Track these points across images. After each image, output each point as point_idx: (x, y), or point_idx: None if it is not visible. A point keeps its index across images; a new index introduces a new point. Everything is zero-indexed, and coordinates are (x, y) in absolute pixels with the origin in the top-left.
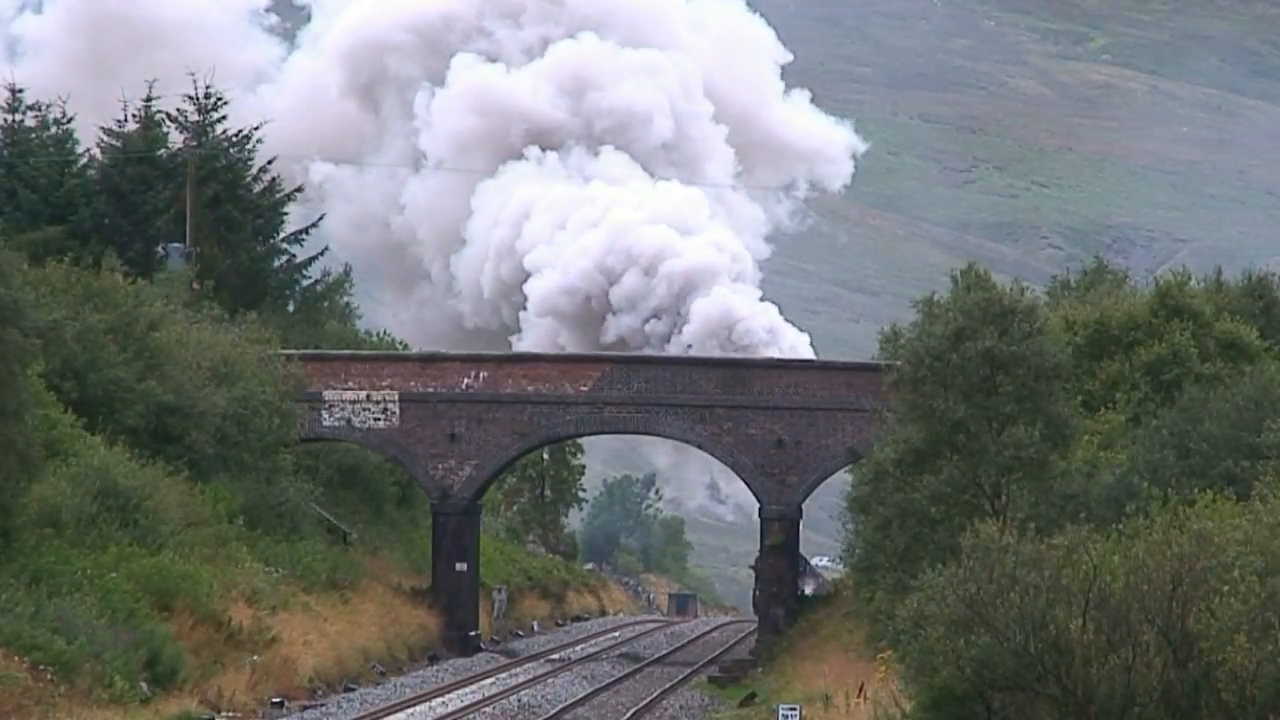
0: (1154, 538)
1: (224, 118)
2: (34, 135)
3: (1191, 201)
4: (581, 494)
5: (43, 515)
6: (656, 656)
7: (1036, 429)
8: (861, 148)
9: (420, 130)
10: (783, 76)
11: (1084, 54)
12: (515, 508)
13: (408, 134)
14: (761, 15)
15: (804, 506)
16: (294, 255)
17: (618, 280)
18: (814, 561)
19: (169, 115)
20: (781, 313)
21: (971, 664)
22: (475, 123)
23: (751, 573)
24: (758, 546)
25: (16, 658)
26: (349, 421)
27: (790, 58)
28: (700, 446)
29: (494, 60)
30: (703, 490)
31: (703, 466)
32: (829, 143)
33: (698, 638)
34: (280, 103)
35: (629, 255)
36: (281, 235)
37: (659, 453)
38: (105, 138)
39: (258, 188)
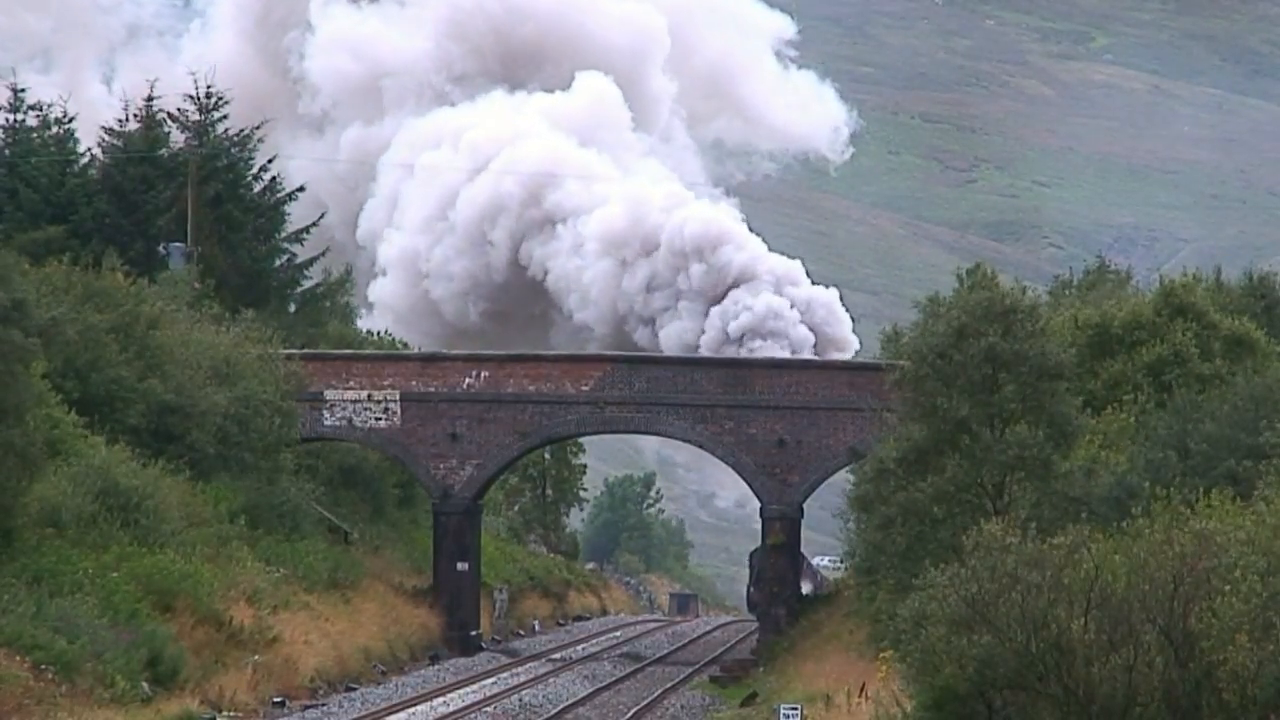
0: (1155, 537)
1: (225, 117)
2: (35, 135)
3: (1193, 201)
4: (583, 494)
5: (44, 515)
6: (658, 656)
7: (1040, 428)
8: (846, 119)
9: (300, 90)
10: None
11: (1085, 54)
12: (516, 507)
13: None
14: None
15: (805, 506)
16: (295, 254)
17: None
18: (815, 561)
19: (170, 115)
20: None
21: (973, 663)
22: (352, 74)
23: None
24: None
25: (18, 657)
26: (350, 421)
27: (791, 29)
28: (701, 446)
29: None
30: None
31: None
32: (814, 123)
33: (699, 637)
34: (179, 72)
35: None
36: (283, 234)
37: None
38: (106, 137)
39: (258, 187)
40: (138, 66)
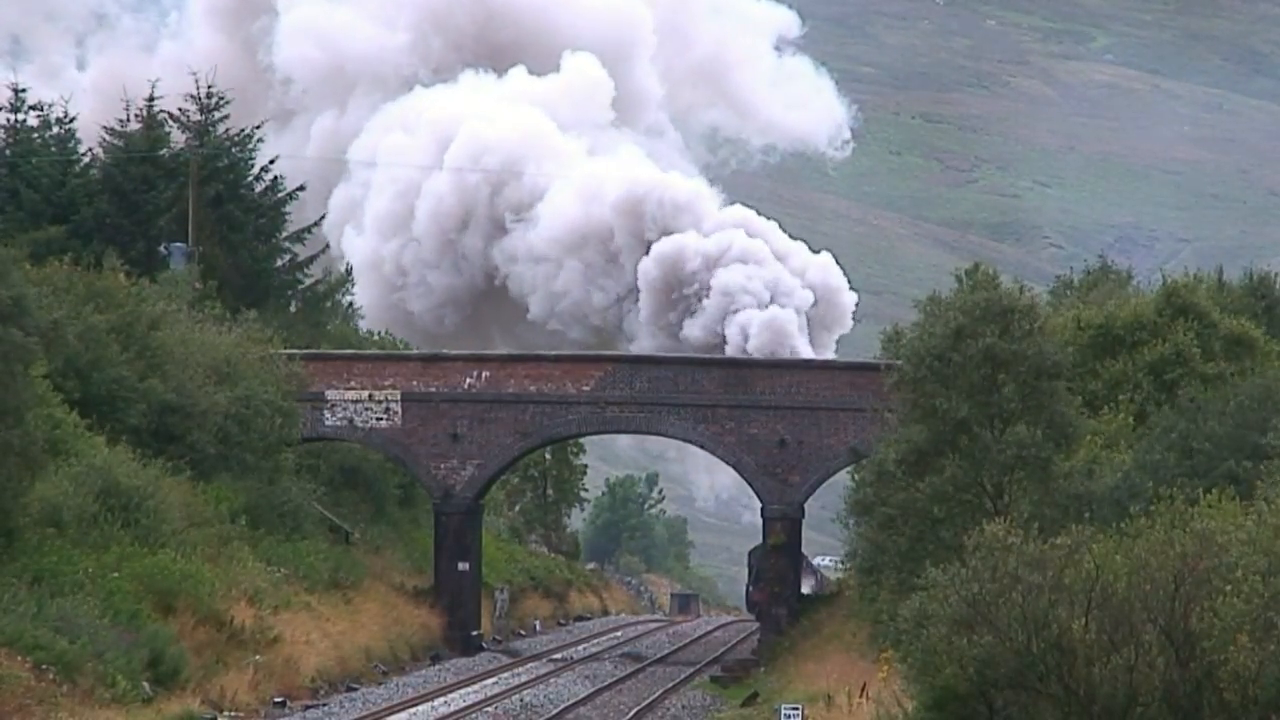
0: (1156, 537)
1: (226, 116)
2: (36, 135)
3: (1194, 201)
4: (584, 494)
5: (45, 515)
6: (658, 656)
7: (1040, 428)
8: (845, 116)
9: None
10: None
11: (1086, 54)
12: (517, 507)
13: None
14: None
15: (806, 506)
16: (296, 254)
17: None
18: (815, 561)
19: (171, 115)
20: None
21: (974, 663)
22: (319, 61)
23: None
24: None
25: (19, 658)
26: (351, 421)
27: (796, 26)
28: (702, 446)
29: None
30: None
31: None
32: (812, 118)
33: (700, 637)
34: (155, 67)
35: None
36: (283, 234)
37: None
38: (108, 137)
39: (259, 187)
40: (110, 54)
